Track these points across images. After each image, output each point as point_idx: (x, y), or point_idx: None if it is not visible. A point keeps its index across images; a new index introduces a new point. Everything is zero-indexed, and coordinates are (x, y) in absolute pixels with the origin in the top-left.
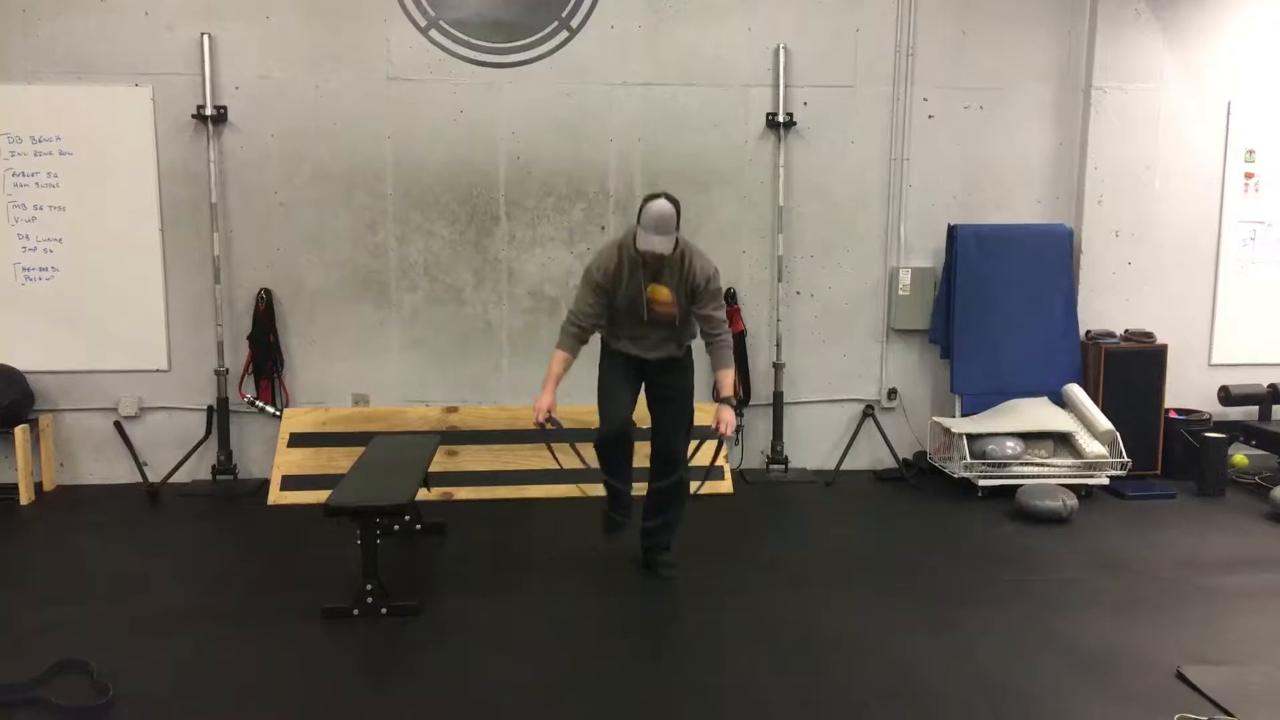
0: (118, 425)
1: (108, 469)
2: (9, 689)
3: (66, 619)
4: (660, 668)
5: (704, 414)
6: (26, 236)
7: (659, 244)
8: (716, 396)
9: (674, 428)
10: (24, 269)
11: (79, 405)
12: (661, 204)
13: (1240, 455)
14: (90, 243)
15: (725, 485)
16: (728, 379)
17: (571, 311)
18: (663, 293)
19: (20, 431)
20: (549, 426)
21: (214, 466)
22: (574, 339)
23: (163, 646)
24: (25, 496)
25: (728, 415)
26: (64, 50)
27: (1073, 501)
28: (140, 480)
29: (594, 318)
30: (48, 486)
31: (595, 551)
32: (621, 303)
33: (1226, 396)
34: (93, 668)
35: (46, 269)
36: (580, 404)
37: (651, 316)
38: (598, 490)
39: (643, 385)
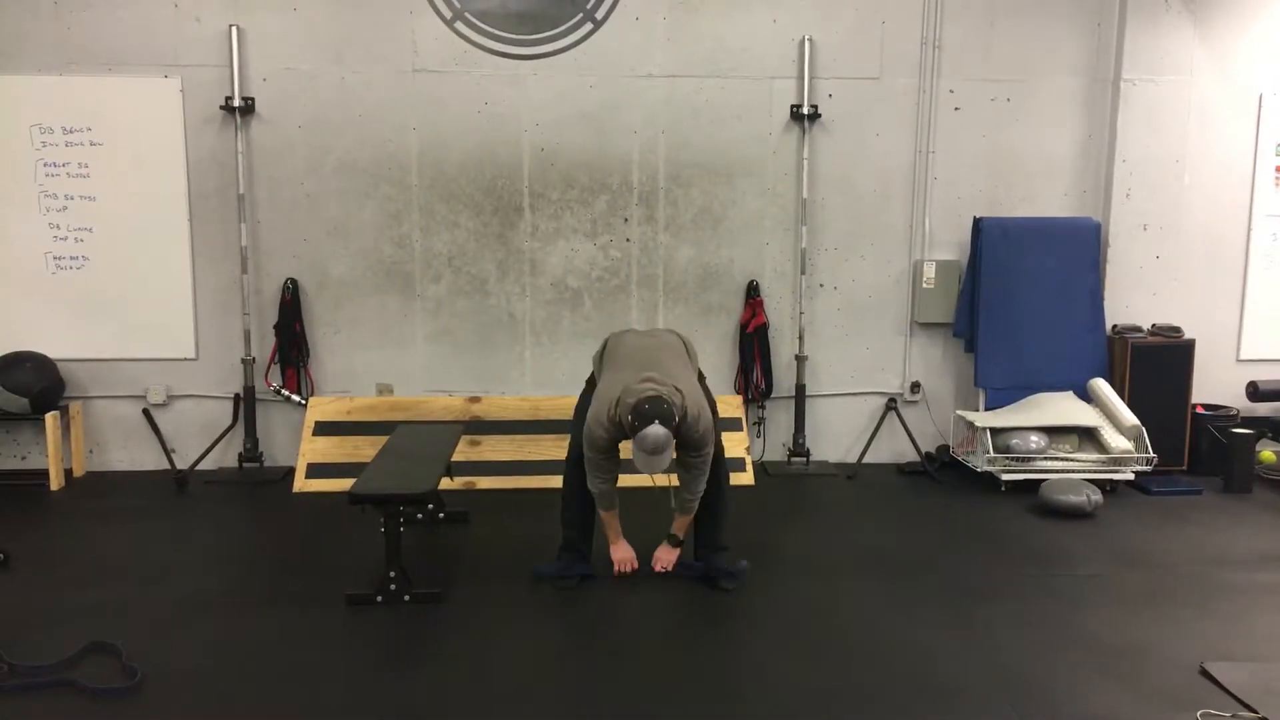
0: (146, 413)
1: (136, 456)
2: (39, 670)
3: (96, 602)
4: (681, 658)
5: (726, 405)
6: (57, 226)
7: (657, 464)
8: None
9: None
10: (55, 258)
11: (108, 393)
12: (656, 431)
13: (1268, 451)
14: (120, 232)
15: (747, 477)
16: (683, 522)
17: (593, 471)
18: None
19: (51, 418)
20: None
21: (240, 454)
22: (611, 494)
23: (190, 630)
24: (56, 482)
25: (666, 555)
26: (95, 42)
27: (1097, 497)
28: (168, 467)
29: (614, 470)
30: (78, 473)
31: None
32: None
33: (1255, 392)
34: (122, 650)
35: (77, 258)
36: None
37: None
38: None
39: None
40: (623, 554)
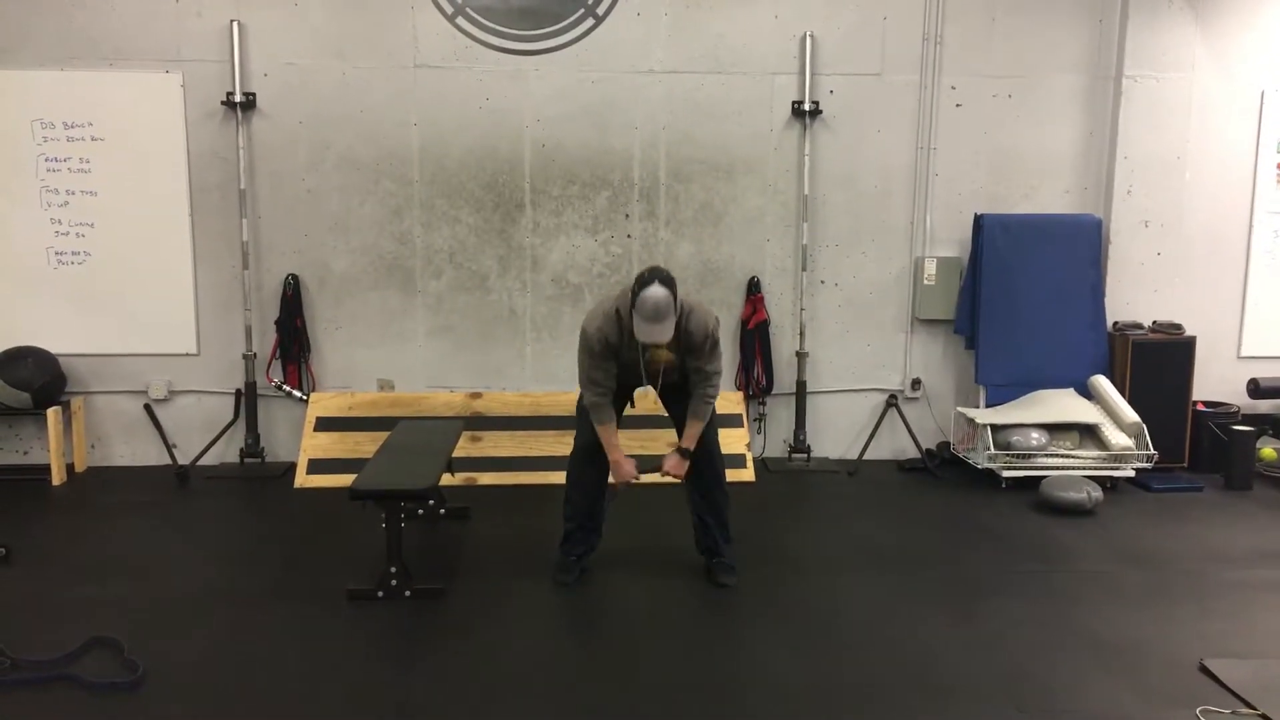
0: (148, 408)
1: (138, 451)
2: (41, 665)
3: (97, 597)
4: (683, 654)
5: (726, 401)
6: (59, 221)
7: (659, 333)
8: (677, 447)
9: (710, 477)
10: (56, 253)
11: (110, 388)
12: (656, 291)
13: (1269, 448)
14: (121, 228)
15: (748, 473)
16: (694, 431)
17: (587, 383)
18: (662, 355)
19: (53, 413)
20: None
21: (242, 449)
22: (607, 406)
23: (191, 625)
24: (57, 477)
25: (677, 466)
26: (96, 37)
27: (1097, 493)
28: (170, 462)
29: (609, 380)
30: (79, 468)
31: (618, 537)
32: (621, 367)
33: (1255, 389)
34: (123, 645)
35: (78, 253)
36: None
37: (650, 379)
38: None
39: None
40: (628, 469)
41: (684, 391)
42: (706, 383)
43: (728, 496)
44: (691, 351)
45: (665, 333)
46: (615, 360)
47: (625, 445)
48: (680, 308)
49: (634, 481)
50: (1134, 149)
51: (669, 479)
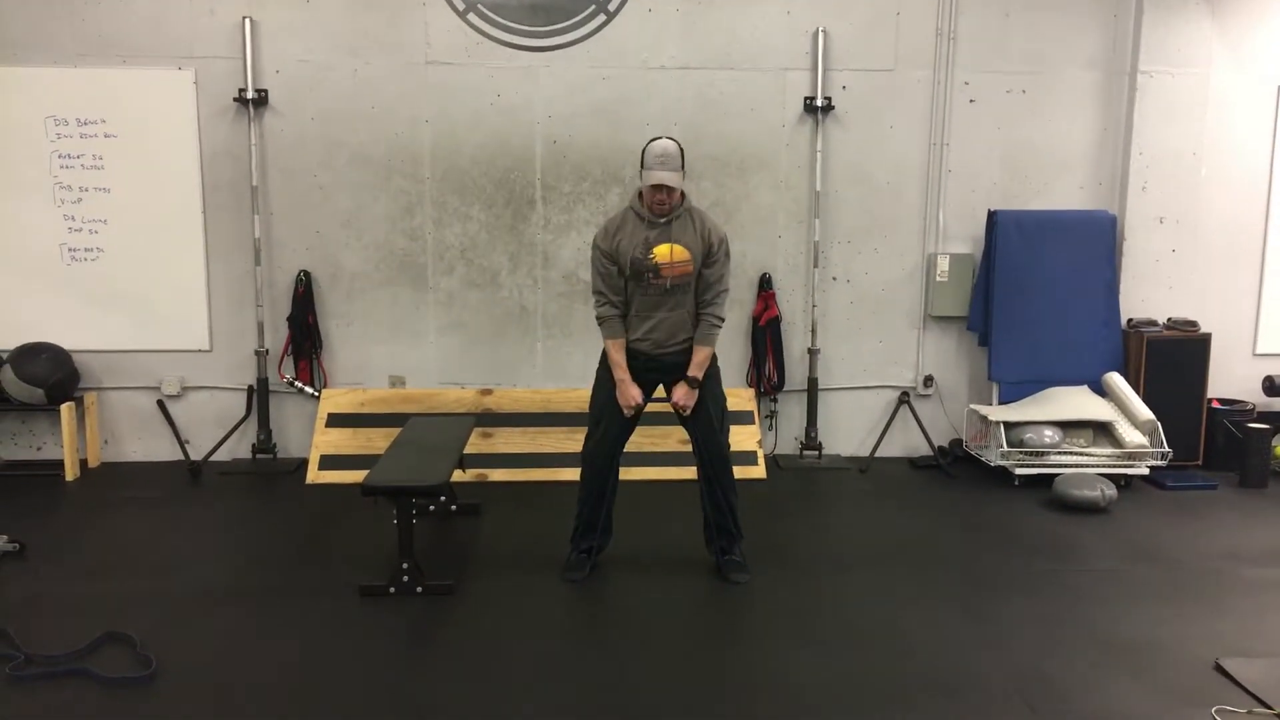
0: (160, 404)
1: (150, 446)
2: (55, 659)
3: (111, 592)
4: (694, 652)
5: (737, 398)
6: (72, 218)
7: (666, 177)
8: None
9: (715, 427)
10: (70, 250)
11: (123, 384)
12: (663, 141)
13: None
14: (134, 224)
15: (759, 470)
16: (702, 358)
17: (594, 294)
18: (673, 251)
19: (66, 409)
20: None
21: (254, 445)
22: (615, 320)
23: (204, 621)
24: (71, 472)
25: (685, 397)
26: (109, 34)
27: (1111, 491)
28: (182, 458)
29: (615, 290)
30: (92, 463)
31: (629, 535)
32: (626, 266)
33: (1271, 387)
34: (136, 640)
35: (92, 250)
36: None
37: (660, 280)
38: (637, 474)
39: (655, 395)
40: (633, 394)
41: (682, 311)
42: (716, 300)
43: (734, 484)
44: (709, 254)
45: (674, 179)
46: (618, 263)
47: (636, 442)
48: (691, 204)
49: (640, 406)
50: (1149, 145)
51: (680, 408)
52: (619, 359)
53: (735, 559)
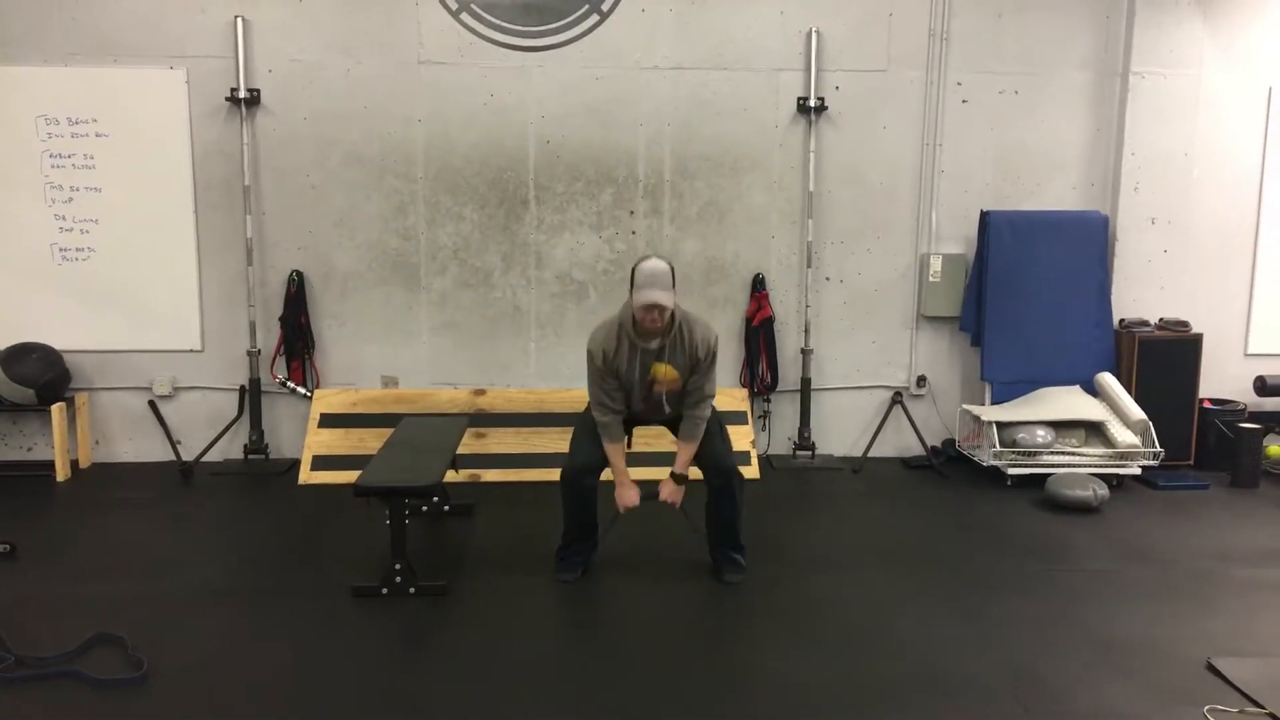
0: (152, 404)
1: (142, 447)
2: (45, 661)
3: (102, 594)
4: (688, 651)
5: (731, 399)
6: (63, 217)
7: (659, 296)
8: (672, 474)
9: (716, 448)
10: (61, 249)
11: (114, 384)
12: (654, 261)
13: (1275, 446)
14: (126, 224)
15: (752, 471)
16: (687, 454)
17: (595, 404)
18: (665, 371)
19: (57, 409)
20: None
21: (246, 446)
22: (615, 424)
23: (195, 622)
24: (62, 473)
25: (670, 490)
26: (100, 33)
27: (1103, 491)
28: (174, 458)
29: (617, 399)
30: (84, 464)
31: (622, 535)
32: (624, 384)
33: (1262, 387)
34: (127, 641)
35: (83, 249)
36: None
37: (656, 397)
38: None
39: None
40: (631, 497)
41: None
42: (700, 404)
43: (739, 506)
44: (695, 365)
45: (667, 298)
46: (618, 378)
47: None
48: (681, 313)
49: (634, 506)
50: (1141, 146)
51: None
52: (619, 464)
53: (731, 557)
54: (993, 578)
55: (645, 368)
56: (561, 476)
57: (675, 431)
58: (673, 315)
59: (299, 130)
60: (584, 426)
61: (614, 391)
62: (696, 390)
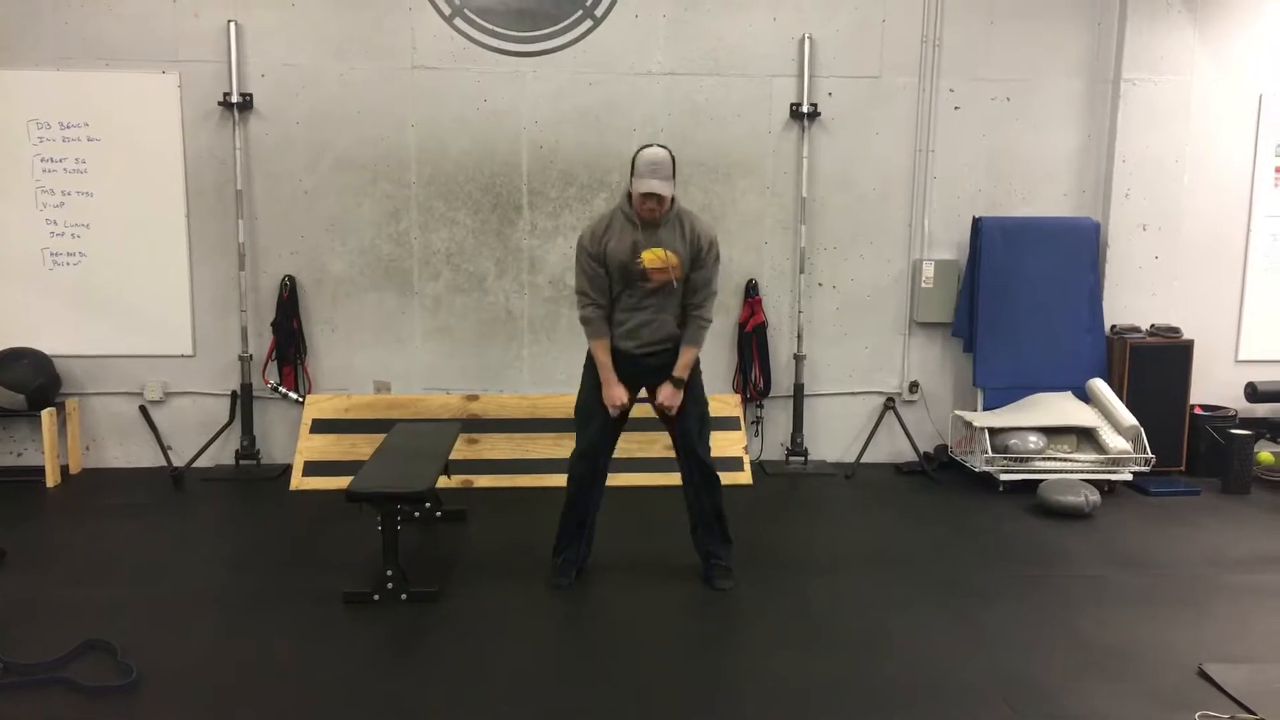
0: (143, 410)
1: (133, 453)
2: (34, 668)
3: (91, 600)
4: (679, 657)
5: (723, 404)
6: (54, 222)
7: (658, 186)
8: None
9: (695, 428)
10: (52, 254)
11: (105, 389)
12: (655, 149)
13: (1266, 452)
14: (117, 228)
15: (745, 476)
16: (689, 357)
17: (577, 294)
18: (659, 256)
19: (47, 415)
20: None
21: (237, 451)
22: (599, 320)
23: (186, 628)
24: (51, 479)
25: (669, 392)
26: (92, 37)
27: (1095, 497)
28: (165, 464)
29: (600, 291)
30: (74, 469)
31: (616, 540)
32: (614, 269)
33: (1253, 393)
34: (117, 648)
35: (74, 254)
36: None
37: (647, 284)
38: (623, 480)
39: (639, 396)
40: (617, 394)
41: (668, 309)
42: (704, 303)
43: (718, 483)
44: (696, 256)
45: (665, 187)
46: (605, 266)
47: (623, 448)
48: (680, 206)
49: (625, 406)
50: (1132, 152)
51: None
52: (604, 359)
53: (721, 564)
54: (984, 583)
55: (636, 249)
56: (570, 464)
57: (671, 367)
58: (672, 203)
59: (292, 135)
60: (582, 409)
61: (600, 280)
62: (702, 286)
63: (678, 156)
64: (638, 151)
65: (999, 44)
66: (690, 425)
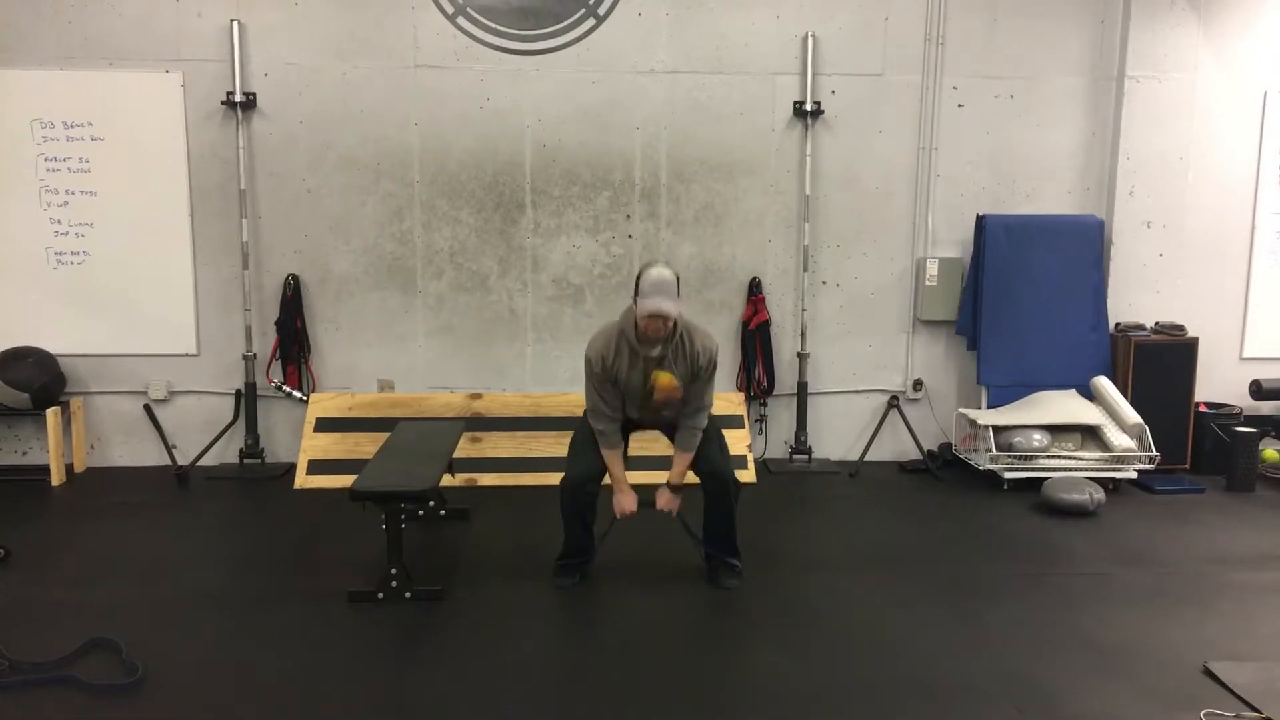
0: (147, 408)
1: (137, 451)
2: (39, 667)
3: (96, 599)
4: (684, 656)
5: (727, 402)
6: (58, 221)
7: (664, 305)
8: (668, 482)
9: (716, 455)
10: (56, 253)
11: (109, 388)
12: (659, 269)
13: (1271, 450)
14: (121, 228)
15: (748, 475)
16: (683, 464)
17: (591, 411)
18: (666, 380)
19: (52, 414)
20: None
21: (241, 450)
22: (612, 432)
23: (190, 627)
24: (56, 478)
25: (666, 499)
26: (96, 36)
27: (1100, 495)
28: (169, 463)
29: (614, 407)
30: (78, 468)
31: (618, 540)
32: (625, 393)
33: (1258, 390)
34: (122, 646)
35: (78, 253)
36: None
37: (656, 406)
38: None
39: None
40: (624, 502)
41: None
42: (697, 414)
43: (734, 513)
44: (695, 374)
45: (672, 306)
46: (617, 385)
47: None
48: (684, 322)
49: (632, 513)
50: (1136, 150)
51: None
52: (617, 471)
53: (727, 562)
54: (989, 582)
55: (645, 375)
56: (561, 486)
57: (672, 439)
58: (675, 323)
59: (295, 134)
60: (582, 435)
61: (612, 399)
62: (695, 400)
63: (680, 155)
64: (641, 271)
65: (1002, 41)
66: (713, 453)
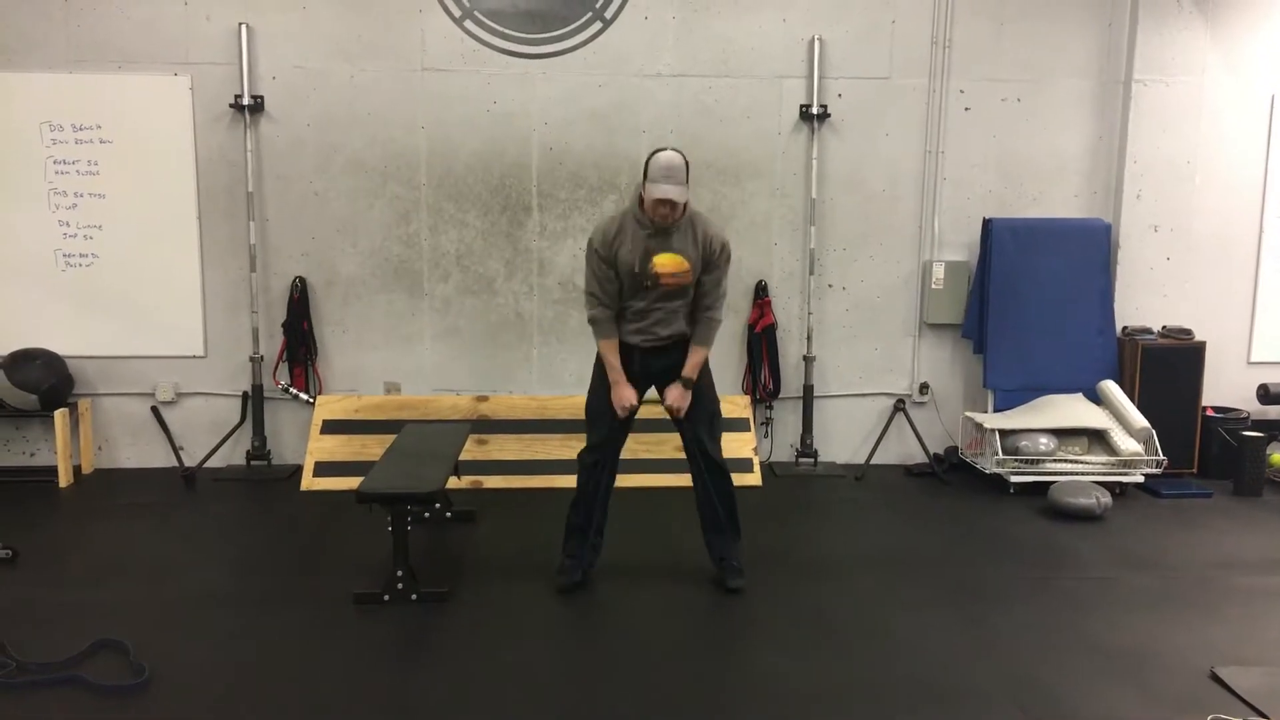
0: (155, 410)
1: (145, 453)
2: (47, 668)
3: (103, 600)
4: (690, 658)
5: (733, 405)
6: (67, 223)
7: (672, 191)
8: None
9: (706, 428)
10: (64, 255)
11: (117, 390)
12: (669, 153)
13: (1279, 455)
14: (129, 230)
15: (754, 478)
16: (698, 359)
17: (586, 294)
18: (671, 261)
19: (60, 415)
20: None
21: (248, 452)
22: (607, 321)
23: (197, 628)
24: (64, 479)
25: (677, 394)
26: (104, 40)
27: (1106, 499)
28: (176, 464)
29: (610, 294)
30: (86, 469)
31: (624, 541)
32: (624, 274)
33: (1265, 395)
34: (129, 648)
35: (86, 255)
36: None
37: (656, 286)
38: (632, 481)
39: (649, 393)
40: (626, 395)
41: (676, 319)
42: (714, 305)
43: (730, 482)
44: (708, 261)
45: (679, 193)
46: (618, 273)
47: (631, 449)
48: (693, 210)
49: (634, 407)
50: (1143, 153)
51: (673, 412)
52: (613, 360)
53: (732, 564)
54: (995, 585)
55: (648, 254)
56: (579, 457)
57: (680, 365)
58: (684, 208)
59: (302, 137)
60: (592, 409)
61: (609, 283)
62: (713, 289)
63: (687, 158)
64: (651, 155)
65: (1009, 45)
66: (701, 424)
